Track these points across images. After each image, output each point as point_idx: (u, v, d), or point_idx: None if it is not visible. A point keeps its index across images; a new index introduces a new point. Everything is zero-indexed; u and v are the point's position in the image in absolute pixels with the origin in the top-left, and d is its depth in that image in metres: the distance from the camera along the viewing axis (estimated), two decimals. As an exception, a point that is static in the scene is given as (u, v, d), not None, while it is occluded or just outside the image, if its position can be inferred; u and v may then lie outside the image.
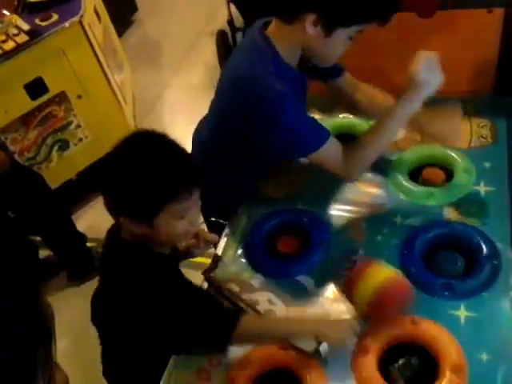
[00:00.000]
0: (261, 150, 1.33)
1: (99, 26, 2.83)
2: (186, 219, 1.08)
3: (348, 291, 1.20)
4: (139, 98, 3.41)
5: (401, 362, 1.09)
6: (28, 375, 0.53)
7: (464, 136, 1.53)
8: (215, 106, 1.45)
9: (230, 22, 3.41)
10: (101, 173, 1.08)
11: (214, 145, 1.47)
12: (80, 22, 2.44)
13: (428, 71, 1.22)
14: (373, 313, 1.15)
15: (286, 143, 1.28)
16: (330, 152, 1.31)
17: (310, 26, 1.16)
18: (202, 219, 1.61)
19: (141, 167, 1.02)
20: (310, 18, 1.15)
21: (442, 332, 1.10)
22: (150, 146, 1.06)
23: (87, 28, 2.50)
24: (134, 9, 4.27)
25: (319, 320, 1.18)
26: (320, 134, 1.30)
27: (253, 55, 1.27)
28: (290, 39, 1.24)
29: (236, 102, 1.29)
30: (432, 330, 1.11)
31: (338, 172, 1.37)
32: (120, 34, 3.69)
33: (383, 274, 1.15)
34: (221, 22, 3.64)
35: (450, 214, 1.35)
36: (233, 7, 3.31)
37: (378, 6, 1.16)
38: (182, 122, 3.36)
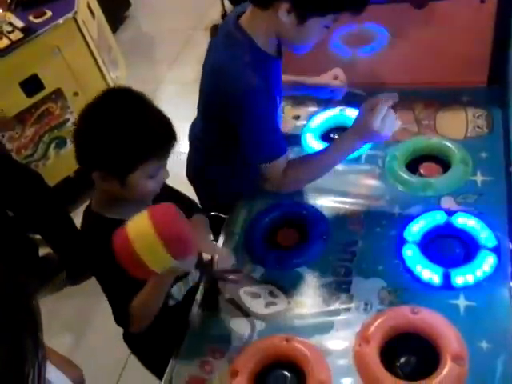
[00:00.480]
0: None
1: (93, 23, 2.82)
2: (156, 179, 1.11)
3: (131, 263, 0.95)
4: (135, 93, 3.40)
5: (402, 360, 1.10)
6: (16, 362, 0.54)
7: (460, 126, 1.54)
8: (199, 100, 1.45)
9: (224, 16, 3.41)
10: (81, 123, 1.09)
11: (207, 139, 1.48)
12: (74, 19, 2.44)
13: (383, 122, 1.26)
14: (172, 244, 0.94)
15: (251, 140, 1.31)
16: (279, 166, 1.36)
17: (283, 14, 1.17)
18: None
19: (124, 123, 1.04)
20: (284, 5, 1.16)
21: (442, 321, 1.11)
22: (130, 102, 1.07)
23: (81, 24, 2.50)
24: (128, 5, 4.26)
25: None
26: (282, 145, 1.34)
27: (228, 46, 1.28)
28: (265, 27, 1.24)
29: (214, 95, 1.31)
30: (432, 320, 1.12)
31: (273, 185, 1.42)
32: (114, 30, 3.69)
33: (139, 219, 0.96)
34: (215, 16, 3.64)
35: (448, 204, 1.35)
36: (226, 1, 3.31)
37: None
38: (177, 117, 3.34)
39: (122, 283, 1.08)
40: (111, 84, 2.78)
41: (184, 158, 1.60)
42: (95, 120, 1.06)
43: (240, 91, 1.22)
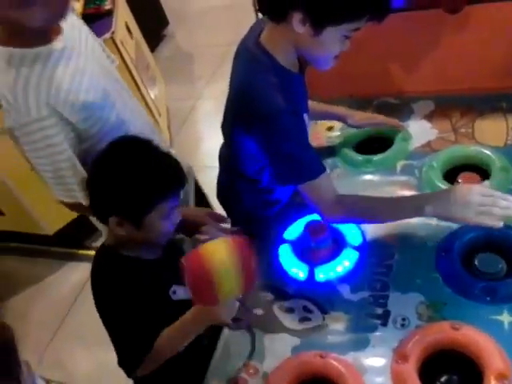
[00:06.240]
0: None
1: (131, 42, 2.88)
2: (170, 219, 1.15)
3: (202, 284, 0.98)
4: (173, 110, 3.45)
5: (442, 379, 1.05)
6: None
7: (500, 133, 1.49)
8: (224, 123, 1.41)
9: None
10: (93, 172, 1.15)
11: (233, 160, 1.43)
12: (112, 39, 2.48)
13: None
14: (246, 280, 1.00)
15: (284, 162, 1.23)
16: (319, 188, 1.24)
17: (298, 25, 1.11)
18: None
19: (134, 167, 1.09)
20: (297, 16, 1.10)
21: (484, 338, 1.06)
22: (139, 148, 1.14)
23: (119, 44, 2.55)
24: (166, 23, 4.34)
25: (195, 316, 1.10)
26: (316, 166, 1.23)
27: (252, 68, 1.22)
28: (283, 41, 1.19)
29: (240, 119, 1.26)
30: (474, 336, 1.07)
31: (319, 206, 1.28)
32: (152, 48, 3.76)
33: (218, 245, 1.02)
34: (250, 30, 3.65)
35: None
36: (261, 16, 3.32)
37: (366, 2, 1.08)
38: (216, 132, 3.39)
39: (133, 322, 1.08)
40: (150, 102, 2.83)
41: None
42: (106, 168, 1.11)
43: (266, 114, 1.16)
